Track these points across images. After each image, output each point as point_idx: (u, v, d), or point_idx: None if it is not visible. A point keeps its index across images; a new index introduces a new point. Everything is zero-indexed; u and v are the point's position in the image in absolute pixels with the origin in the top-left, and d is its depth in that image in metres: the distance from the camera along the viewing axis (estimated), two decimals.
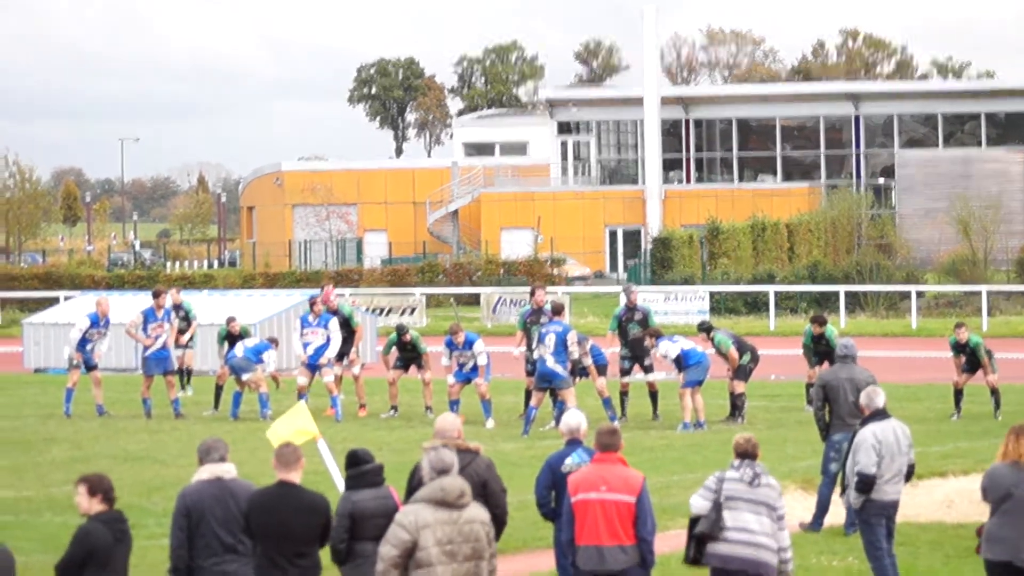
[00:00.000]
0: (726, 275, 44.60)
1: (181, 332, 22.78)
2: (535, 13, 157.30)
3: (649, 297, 35.08)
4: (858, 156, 64.83)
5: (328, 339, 20.54)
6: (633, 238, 60.92)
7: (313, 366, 20.59)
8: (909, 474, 10.85)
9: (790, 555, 8.99)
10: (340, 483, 9.74)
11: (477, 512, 7.41)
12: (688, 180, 65.26)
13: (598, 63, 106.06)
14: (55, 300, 37.22)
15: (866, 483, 10.50)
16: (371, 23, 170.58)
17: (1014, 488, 9.01)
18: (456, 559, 7.23)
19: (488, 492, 8.65)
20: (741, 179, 65.18)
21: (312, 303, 21.04)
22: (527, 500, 10.57)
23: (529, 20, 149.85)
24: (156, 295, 21.77)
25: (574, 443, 9.43)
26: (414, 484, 8.49)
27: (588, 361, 19.30)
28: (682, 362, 19.15)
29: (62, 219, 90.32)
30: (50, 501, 14.07)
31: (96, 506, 7.82)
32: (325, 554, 8.30)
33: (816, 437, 13.64)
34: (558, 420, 17.28)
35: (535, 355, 19.02)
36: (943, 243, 49.58)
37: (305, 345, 20.60)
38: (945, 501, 14.35)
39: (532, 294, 20.54)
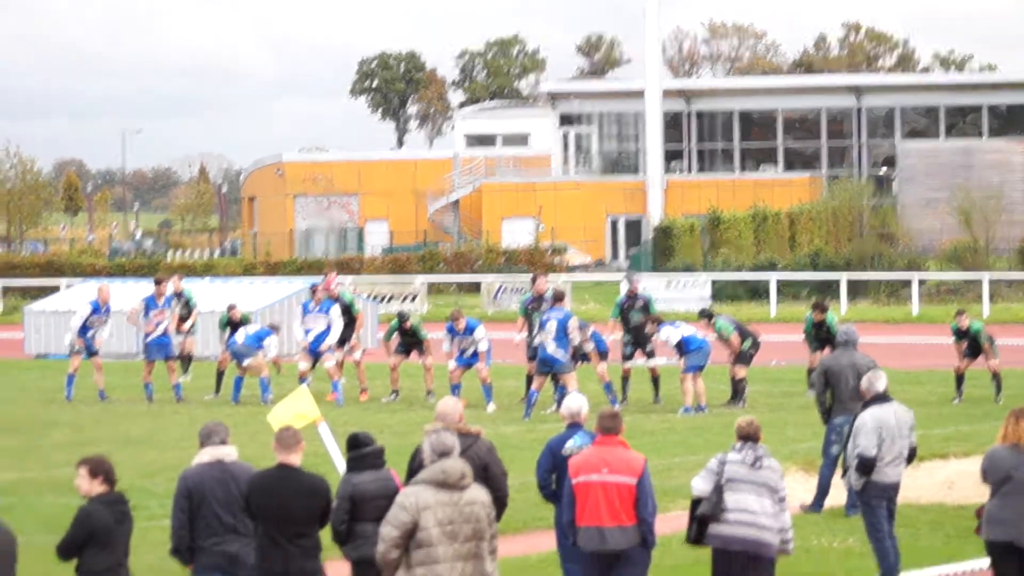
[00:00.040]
0: (727, 263, 44.60)
1: (182, 319, 22.80)
2: (536, 8, 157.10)
3: (650, 284, 35.04)
4: (860, 147, 64.79)
5: (329, 326, 20.57)
6: (634, 227, 60.92)
7: (314, 352, 20.63)
8: (911, 457, 10.87)
9: (791, 535, 9.02)
10: (341, 465, 9.76)
11: (478, 493, 7.44)
12: (689, 170, 65.22)
13: (599, 56, 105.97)
14: (56, 288, 37.28)
15: (866, 465, 10.52)
16: (372, 18, 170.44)
17: (1014, 470, 9.04)
18: (457, 540, 7.26)
19: (489, 474, 8.68)
20: (742, 169, 65.15)
21: (313, 290, 21.07)
22: (528, 482, 10.60)
23: (530, 17, 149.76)
24: (157, 283, 21.81)
25: (575, 426, 9.47)
26: (415, 466, 8.53)
27: (589, 347, 19.34)
28: (683, 348, 19.19)
29: (63, 209, 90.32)
30: (52, 483, 14.15)
31: (97, 488, 7.84)
32: (325, 534, 8.31)
33: (817, 420, 13.67)
34: (559, 404, 17.29)
35: (536, 341, 19.06)
36: (944, 232, 49.58)
37: (306, 332, 20.64)
38: (946, 483, 14.39)
39: (533, 281, 20.57)
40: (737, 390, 19.80)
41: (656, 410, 19.51)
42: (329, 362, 20.64)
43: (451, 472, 7.37)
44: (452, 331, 19.95)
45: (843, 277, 38.43)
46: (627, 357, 20.30)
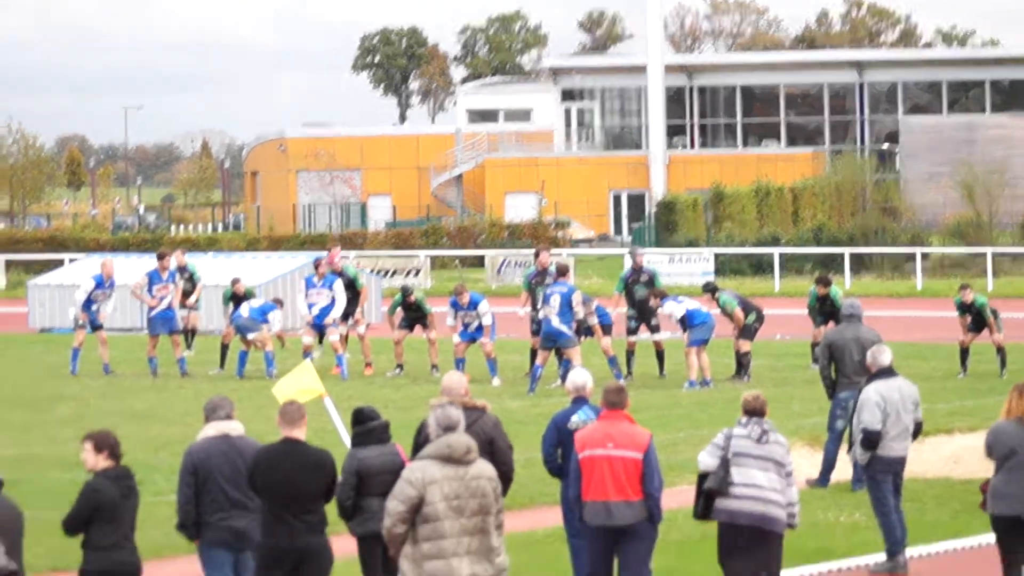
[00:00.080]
0: (731, 238, 44.55)
1: (187, 294, 22.76)
2: None
3: (654, 259, 35.01)
4: (862, 122, 64.59)
5: (333, 300, 20.55)
6: (637, 202, 60.82)
7: (318, 326, 20.62)
8: (916, 432, 10.85)
9: (797, 510, 9.01)
10: (347, 440, 9.74)
11: (484, 468, 7.38)
12: (692, 145, 65.06)
13: (601, 32, 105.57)
14: (60, 262, 37.25)
15: (871, 439, 10.50)
16: None
17: (1018, 445, 9.04)
18: (463, 514, 7.23)
19: (495, 449, 8.65)
20: (745, 145, 64.97)
21: (317, 265, 21.04)
22: (534, 457, 10.59)
23: None
24: (160, 257, 21.78)
25: (580, 401, 9.43)
26: (420, 441, 8.49)
27: (593, 320, 19.31)
28: (687, 322, 19.16)
29: (66, 184, 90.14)
30: (57, 458, 14.14)
31: (102, 462, 7.82)
32: (331, 510, 8.29)
33: (822, 395, 13.65)
34: (564, 378, 17.27)
35: (540, 315, 19.02)
36: (948, 207, 49.50)
37: (310, 306, 20.62)
38: (952, 457, 14.38)
39: (537, 256, 20.52)
40: (742, 364, 19.77)
41: (661, 385, 19.49)
42: (333, 336, 20.62)
43: (457, 447, 7.32)
44: (456, 305, 19.92)
45: (846, 252, 38.38)
46: (632, 331, 20.26)
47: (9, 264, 42.56)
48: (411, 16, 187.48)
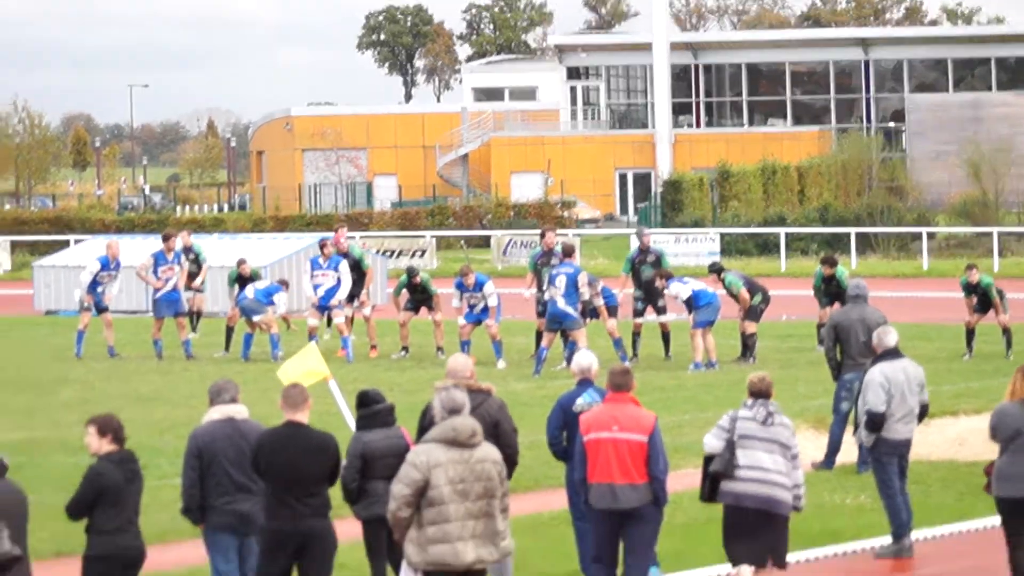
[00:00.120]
0: (737, 217, 44.48)
1: (192, 275, 22.71)
2: None
3: (660, 239, 34.97)
4: (868, 100, 64.35)
5: (339, 281, 20.50)
6: (643, 181, 60.70)
7: (324, 308, 20.57)
8: (922, 414, 10.80)
9: (803, 492, 8.97)
10: (351, 423, 9.73)
11: (489, 451, 7.36)
12: (698, 124, 64.87)
13: (606, 10, 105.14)
14: (65, 243, 37.23)
15: (875, 421, 10.46)
16: None
17: (1023, 427, 8.96)
18: (468, 498, 7.21)
19: (500, 432, 8.61)
20: (751, 123, 64.77)
21: (322, 245, 20.97)
22: (539, 440, 10.56)
23: None
24: (166, 238, 21.72)
25: (585, 383, 9.39)
26: (425, 424, 8.44)
27: (599, 302, 19.24)
28: (693, 303, 19.09)
29: (71, 164, 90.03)
30: (62, 441, 14.12)
31: (106, 446, 7.78)
32: (334, 494, 8.28)
33: (827, 376, 13.60)
34: (569, 360, 17.25)
35: (546, 296, 18.95)
36: (954, 185, 49.39)
37: (316, 287, 20.57)
38: (957, 439, 14.32)
39: (542, 236, 20.46)
40: (747, 346, 19.70)
41: (666, 366, 19.42)
42: (339, 318, 20.57)
43: (462, 430, 7.28)
44: (461, 287, 19.86)
45: (852, 231, 38.29)
46: (638, 313, 20.19)
47: (14, 245, 42.54)
48: None
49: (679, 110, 64.03)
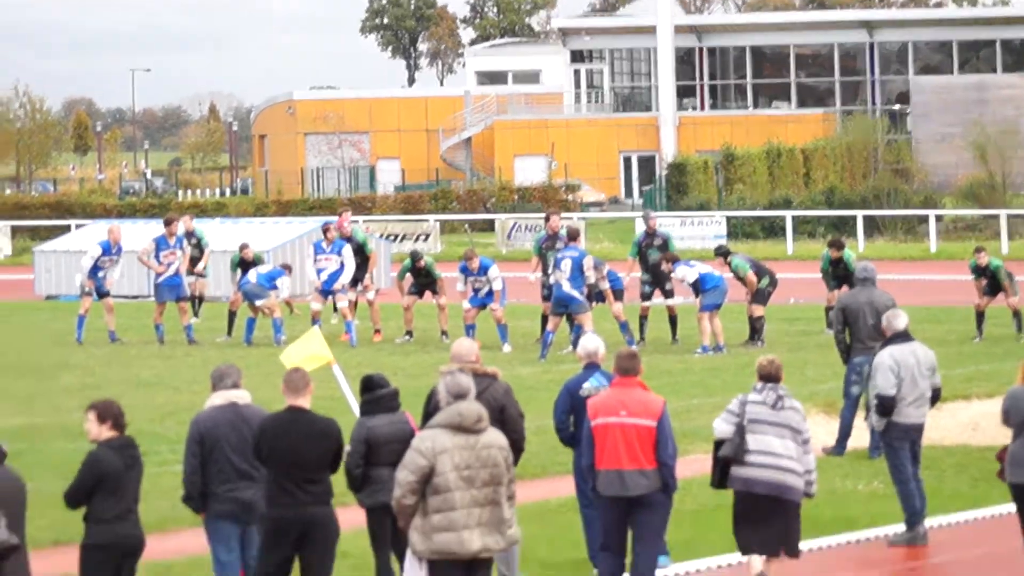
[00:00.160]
0: (742, 200, 44.32)
1: (194, 260, 22.56)
2: None
3: (665, 222, 34.83)
4: (872, 83, 64.07)
5: (342, 266, 20.35)
6: (648, 164, 60.53)
7: (327, 292, 20.42)
8: (935, 398, 10.67)
9: (815, 477, 8.86)
10: (356, 408, 9.59)
11: (495, 437, 7.26)
12: (702, 107, 64.63)
13: None
14: (66, 228, 37.13)
15: (885, 405, 10.34)
16: None
17: None
18: (474, 485, 7.12)
19: (506, 417, 8.53)
20: (755, 106, 64.52)
21: (325, 230, 20.81)
22: (545, 425, 10.44)
23: None
24: (168, 222, 21.58)
25: (592, 367, 9.30)
26: (430, 409, 8.35)
27: (605, 285, 19.10)
28: (699, 286, 18.95)
29: (73, 148, 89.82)
30: (62, 428, 14.02)
31: (106, 432, 7.68)
32: (337, 480, 8.15)
33: (837, 360, 13.47)
34: (575, 344, 17.09)
35: (551, 280, 18.81)
36: (960, 167, 49.20)
37: (319, 272, 20.42)
38: (970, 424, 14.19)
39: (547, 220, 20.31)
40: (755, 329, 19.56)
41: (673, 350, 19.30)
42: (342, 302, 20.43)
43: (467, 415, 7.19)
44: (466, 271, 19.72)
45: (859, 214, 38.12)
46: (646, 296, 20.05)
47: (15, 230, 42.43)
48: None
49: (683, 93, 63.77)
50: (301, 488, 7.85)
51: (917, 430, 10.55)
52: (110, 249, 21.13)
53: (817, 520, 10.26)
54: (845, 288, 18.43)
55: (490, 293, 19.56)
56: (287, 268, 21.47)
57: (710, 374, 17.04)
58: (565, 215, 30.48)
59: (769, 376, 8.83)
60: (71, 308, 23.11)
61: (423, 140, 64.77)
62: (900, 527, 10.41)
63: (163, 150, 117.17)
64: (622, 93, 66.76)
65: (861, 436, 12.85)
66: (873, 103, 63.13)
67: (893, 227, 39.56)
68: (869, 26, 64.59)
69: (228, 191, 71.25)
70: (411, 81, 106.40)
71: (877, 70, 64.06)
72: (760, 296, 19.50)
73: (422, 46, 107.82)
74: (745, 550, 8.90)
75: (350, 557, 9.33)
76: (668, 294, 19.99)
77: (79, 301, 21.35)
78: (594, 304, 18.93)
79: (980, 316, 19.94)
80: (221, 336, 21.20)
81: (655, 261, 19.86)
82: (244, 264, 21.40)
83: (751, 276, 19.41)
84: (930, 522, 10.54)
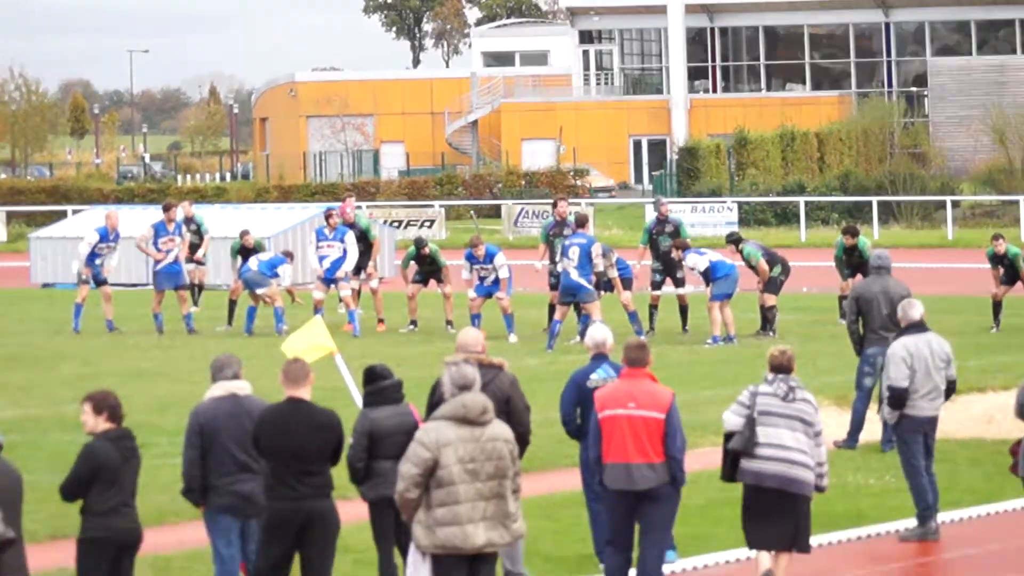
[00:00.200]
0: (755, 186, 44.10)
1: (194, 247, 22.36)
2: None
3: (675, 209, 34.57)
4: (889, 64, 63.58)
5: (345, 253, 20.13)
6: (658, 148, 60.23)
7: (329, 280, 20.21)
8: (949, 391, 10.49)
9: (826, 470, 8.74)
10: (358, 400, 9.42)
11: (500, 429, 7.17)
12: (714, 89, 64.21)
13: None
14: (63, 214, 37.03)
15: (897, 397, 10.19)
16: None
17: None
18: (479, 478, 7.04)
19: (511, 409, 8.44)
20: (769, 88, 64.10)
21: (328, 216, 20.60)
22: (552, 417, 10.26)
23: None
24: (167, 208, 21.38)
25: (600, 358, 9.18)
26: (435, 401, 8.27)
27: (613, 273, 18.89)
28: (710, 275, 18.73)
29: (69, 132, 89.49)
30: (58, 419, 13.92)
31: (102, 424, 7.58)
32: (338, 473, 8.03)
33: (850, 351, 13.29)
34: (583, 334, 16.90)
35: (559, 268, 18.63)
36: (978, 151, 48.88)
37: (321, 259, 20.21)
38: (984, 417, 14.00)
39: (555, 206, 20.10)
40: (767, 319, 19.35)
41: (683, 341, 19.14)
42: (345, 291, 20.23)
43: (472, 407, 7.11)
44: (471, 258, 19.52)
45: (874, 200, 37.88)
46: (656, 285, 19.84)
47: (10, 216, 42.29)
48: None
49: (695, 75, 63.37)
50: (300, 481, 7.77)
51: (930, 423, 10.39)
52: (108, 236, 20.93)
53: (828, 514, 10.15)
54: (859, 277, 18.23)
55: (496, 281, 19.37)
56: (289, 255, 21.29)
57: (721, 365, 16.90)
58: (573, 201, 30.27)
59: (781, 367, 8.69)
60: (67, 296, 22.99)
61: (428, 123, 64.55)
62: (912, 522, 10.28)
63: (162, 134, 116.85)
64: (632, 75, 66.36)
65: (873, 429, 12.66)
66: (889, 85, 62.63)
67: (909, 213, 39.32)
68: (885, 5, 64.04)
69: (228, 176, 71.07)
70: (416, 62, 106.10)
71: (893, 51, 63.52)
72: (772, 285, 19.28)
73: (427, 26, 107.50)
74: (751, 545, 8.74)
75: (352, 551, 9.27)
76: (679, 283, 19.78)
77: (76, 289, 21.19)
78: (602, 293, 18.71)
79: (997, 306, 19.73)
80: (221, 325, 21.02)
81: (666, 249, 19.66)
82: (245, 251, 21.19)
83: (763, 264, 19.19)
84: (942, 517, 10.40)
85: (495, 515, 7.03)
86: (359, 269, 20.58)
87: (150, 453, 10.25)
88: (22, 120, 67.69)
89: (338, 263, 20.15)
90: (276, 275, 20.58)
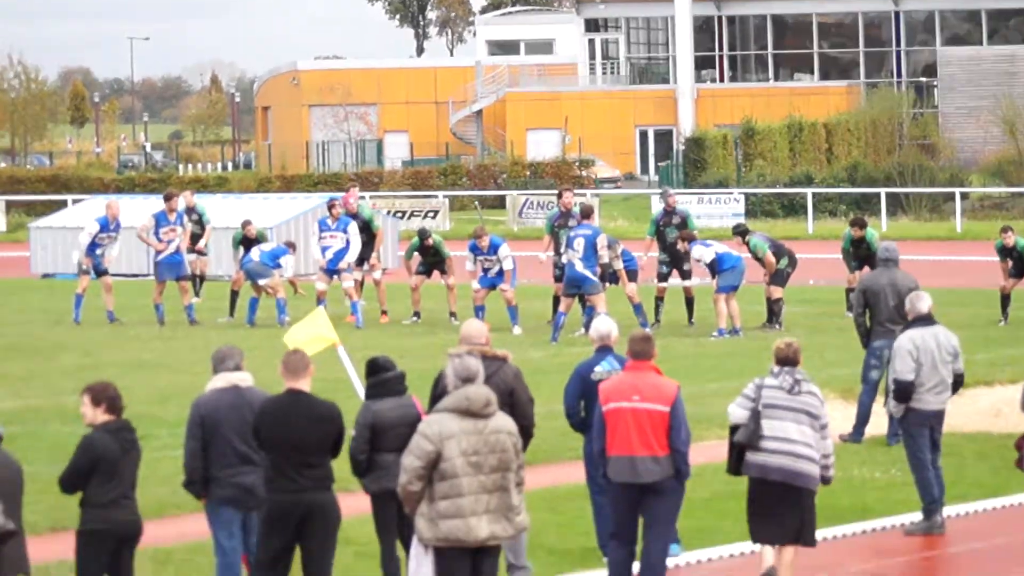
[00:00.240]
0: (762, 177, 43.99)
1: (195, 237, 22.28)
2: None
3: (682, 200, 34.41)
4: (898, 54, 63.29)
5: (347, 243, 20.06)
6: (665, 139, 60.05)
7: (332, 271, 20.13)
8: (957, 384, 10.42)
9: (832, 462, 8.69)
10: (361, 392, 9.35)
11: (503, 422, 7.15)
12: (721, 79, 63.96)
13: None
14: (63, 204, 36.95)
15: (903, 390, 10.13)
16: None
17: None
18: (482, 470, 7.02)
19: (515, 401, 8.42)
20: (776, 78, 63.84)
21: (331, 206, 20.51)
22: (556, 410, 10.21)
23: None
24: (168, 198, 21.28)
25: (604, 350, 9.15)
26: (438, 393, 8.21)
27: (619, 265, 18.82)
28: (716, 267, 18.65)
29: (69, 120, 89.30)
30: (59, 410, 13.89)
31: (101, 416, 7.53)
32: (340, 465, 7.97)
33: (857, 344, 13.23)
34: (587, 326, 16.82)
35: (564, 260, 18.55)
36: (988, 143, 48.69)
37: (324, 249, 20.13)
38: (992, 410, 13.94)
39: (560, 196, 20.01)
40: (773, 311, 19.26)
41: (689, 333, 19.07)
42: (347, 282, 20.15)
43: (475, 399, 7.10)
44: (475, 249, 19.45)
45: (883, 191, 37.76)
46: (663, 277, 19.76)
47: (10, 205, 42.16)
48: None
49: (701, 64, 63.13)
50: (300, 473, 7.74)
51: (936, 417, 10.33)
52: (108, 225, 20.85)
53: (833, 508, 10.12)
54: (867, 269, 18.11)
55: (500, 273, 19.28)
56: (291, 246, 21.23)
57: (727, 357, 16.83)
58: (579, 192, 30.19)
59: (786, 360, 8.64)
60: (68, 287, 22.93)
61: (432, 112, 64.38)
62: (917, 516, 10.25)
63: (163, 122, 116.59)
64: (638, 64, 66.12)
65: (880, 423, 12.59)
66: (899, 75, 62.35)
67: (918, 205, 39.18)
68: None
69: (230, 165, 70.96)
70: (420, 51, 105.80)
71: (903, 40, 63.21)
72: (779, 277, 19.19)
73: (431, 14, 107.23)
74: (755, 538, 8.69)
75: (354, 544, 9.25)
76: (686, 275, 19.69)
77: (76, 280, 21.12)
78: (607, 285, 18.63)
79: (1005, 299, 19.65)
80: (223, 316, 20.95)
81: (673, 240, 19.58)
82: (247, 242, 21.12)
83: (770, 256, 19.10)
84: (948, 511, 10.37)
85: (498, 508, 7.01)
86: (362, 260, 20.50)
87: (151, 445, 10.21)
88: (21, 108, 67.51)
89: (341, 254, 20.07)
90: (278, 266, 20.52)
